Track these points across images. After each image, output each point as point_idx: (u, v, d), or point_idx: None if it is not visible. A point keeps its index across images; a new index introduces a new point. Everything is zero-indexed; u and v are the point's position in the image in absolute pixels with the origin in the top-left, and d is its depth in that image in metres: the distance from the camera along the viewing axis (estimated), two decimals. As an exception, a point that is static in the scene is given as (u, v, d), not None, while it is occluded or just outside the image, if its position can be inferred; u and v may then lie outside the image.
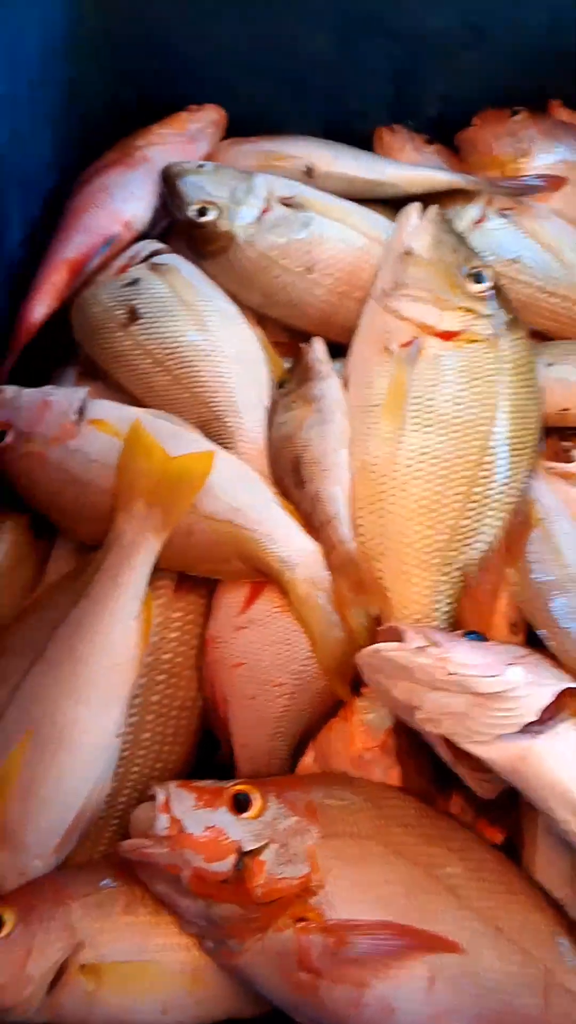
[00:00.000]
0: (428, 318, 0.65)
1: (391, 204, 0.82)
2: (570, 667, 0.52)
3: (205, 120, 0.88)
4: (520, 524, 0.59)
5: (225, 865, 0.46)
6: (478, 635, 0.53)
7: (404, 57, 0.89)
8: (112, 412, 0.63)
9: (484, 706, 0.46)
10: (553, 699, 0.47)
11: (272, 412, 0.66)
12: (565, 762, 0.45)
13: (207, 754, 0.58)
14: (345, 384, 0.67)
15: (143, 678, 0.56)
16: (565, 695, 0.49)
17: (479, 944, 0.46)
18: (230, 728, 0.55)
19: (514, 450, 0.61)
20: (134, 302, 0.69)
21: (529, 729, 0.46)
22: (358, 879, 0.47)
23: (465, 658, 0.48)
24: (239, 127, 0.91)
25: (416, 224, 0.69)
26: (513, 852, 0.51)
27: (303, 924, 0.45)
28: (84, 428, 0.62)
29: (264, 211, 0.74)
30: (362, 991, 0.44)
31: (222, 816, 0.48)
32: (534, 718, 0.46)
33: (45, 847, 0.50)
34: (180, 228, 0.76)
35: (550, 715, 0.47)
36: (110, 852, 0.53)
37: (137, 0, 0.83)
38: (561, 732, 0.47)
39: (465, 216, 0.80)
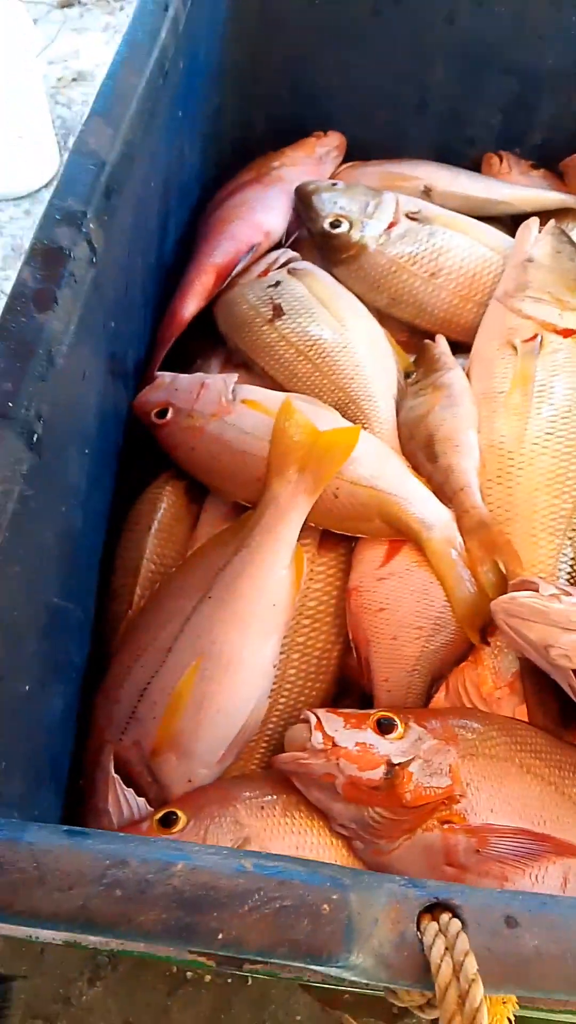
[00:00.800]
0: (549, 317, 0.74)
1: (502, 222, 0.93)
2: None
3: (330, 145, 1.01)
4: None
5: (377, 773, 0.55)
6: (601, 591, 0.61)
7: (517, 90, 1.01)
8: (262, 394, 0.74)
9: (614, 643, 0.54)
10: None
11: (400, 399, 0.76)
12: None
13: (343, 696, 0.67)
14: (467, 375, 0.76)
15: (292, 621, 0.65)
16: None
17: (606, 855, 0.53)
18: (372, 665, 0.63)
19: (632, 433, 0.70)
20: (278, 300, 0.80)
21: None
22: (496, 792, 0.55)
23: (595, 604, 0.57)
24: (360, 151, 1.03)
25: (536, 235, 0.80)
26: None
27: (449, 826, 0.53)
28: (238, 406, 0.73)
29: (392, 224, 0.85)
30: (503, 885, 0.52)
31: (369, 735, 0.57)
32: None
33: (211, 757, 0.59)
34: (314, 238, 0.88)
35: None
36: (262, 768, 0.61)
37: (272, 37, 0.96)
38: None
39: (574, 232, 0.90)
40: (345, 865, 0.56)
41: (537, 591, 0.58)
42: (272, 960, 0.29)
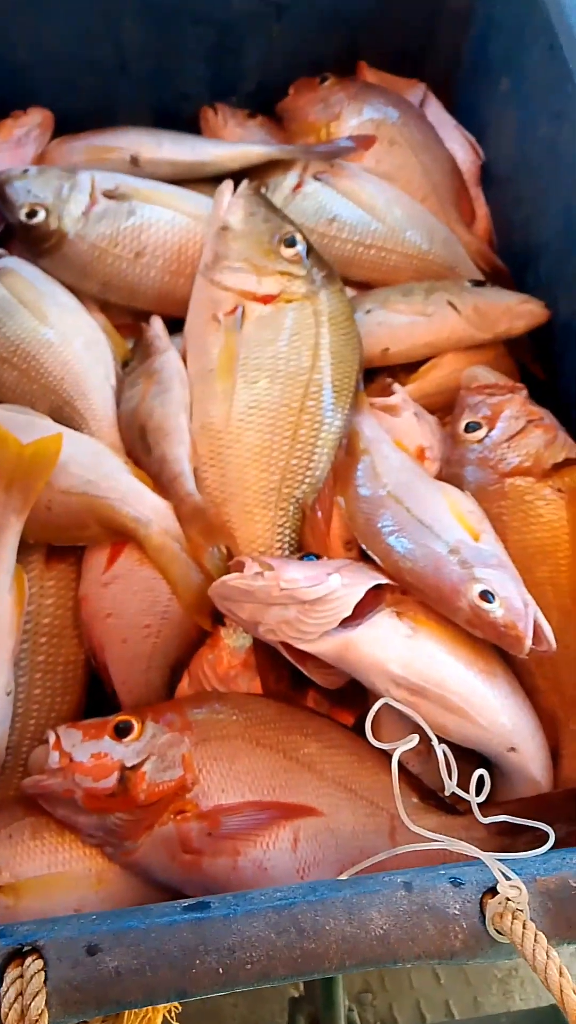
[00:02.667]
0: (248, 285, 0.75)
1: (220, 181, 0.92)
2: (391, 572, 0.62)
3: (30, 124, 0.96)
4: (347, 456, 0.70)
5: (111, 781, 0.56)
6: (313, 556, 0.64)
7: (215, 39, 0.99)
8: (-34, 413, 0.71)
9: (310, 610, 0.57)
10: (369, 595, 0.58)
11: (119, 390, 0.76)
12: (379, 643, 0.57)
13: (103, 701, 0.68)
14: (183, 355, 0.76)
15: (27, 642, 0.65)
16: (382, 591, 0.60)
17: (335, 805, 0.57)
18: (110, 670, 0.65)
19: (335, 392, 0.72)
20: (-26, 309, 0.77)
21: (349, 622, 0.57)
22: (227, 771, 0.57)
23: (294, 574, 0.59)
24: (73, 123, 0.99)
25: (230, 200, 0.79)
26: (363, 731, 0.62)
27: (182, 815, 0.56)
28: (-57, 431, 0.70)
29: (90, 205, 0.83)
30: (237, 859, 0.55)
31: (106, 743, 0.58)
32: (349, 613, 0.57)
33: (-44, 799, 0.60)
34: (14, 231, 0.84)
35: (369, 608, 0.59)
36: (19, 795, 0.62)
37: None
38: (376, 620, 0.58)
39: (284, 184, 0.90)
40: (101, 870, 0.58)
41: (243, 571, 0.60)
42: None
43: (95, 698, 0.68)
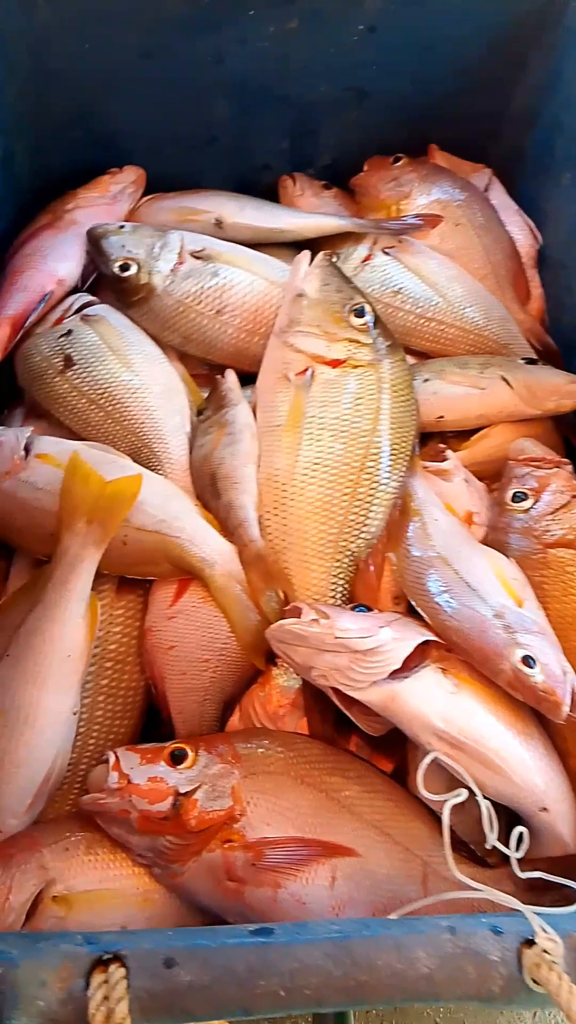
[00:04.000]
0: (318, 349, 0.79)
1: (294, 246, 0.97)
2: (437, 629, 0.65)
3: (125, 181, 1.02)
4: (400, 516, 0.74)
5: (164, 805, 0.59)
6: (364, 607, 0.67)
7: (296, 118, 1.04)
8: (54, 446, 0.76)
9: (361, 660, 0.60)
10: (416, 650, 0.61)
11: (193, 437, 0.80)
12: (424, 697, 0.59)
13: (156, 727, 0.71)
14: (254, 409, 0.81)
15: (94, 666, 0.69)
16: (429, 647, 0.63)
17: (371, 848, 0.59)
18: (168, 700, 0.68)
19: (393, 455, 0.75)
20: (68, 350, 0.82)
21: (397, 675, 0.60)
22: (272, 806, 0.60)
23: (347, 625, 0.62)
24: (161, 183, 1.05)
25: (306, 270, 0.84)
26: (401, 778, 0.65)
27: (229, 844, 0.58)
28: (32, 462, 0.75)
29: (178, 264, 0.88)
30: (277, 891, 0.57)
31: (162, 768, 0.61)
32: (398, 666, 0.59)
33: (18, 808, 0.62)
34: (106, 281, 0.90)
35: (415, 663, 0.62)
36: (75, 810, 0.65)
37: (51, 87, 0.96)
38: (422, 675, 0.61)
39: (355, 255, 0.95)
40: (147, 890, 0.61)
41: (300, 617, 0.63)
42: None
43: (147, 724, 0.72)
